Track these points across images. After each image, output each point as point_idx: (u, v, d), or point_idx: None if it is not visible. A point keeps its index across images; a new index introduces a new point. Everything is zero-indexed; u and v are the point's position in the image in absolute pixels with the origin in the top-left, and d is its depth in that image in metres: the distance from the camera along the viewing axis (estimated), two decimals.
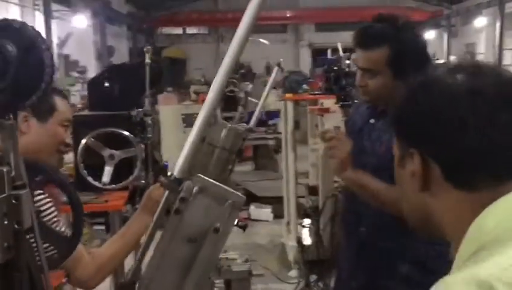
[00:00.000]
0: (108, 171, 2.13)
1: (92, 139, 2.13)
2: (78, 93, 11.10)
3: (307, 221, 4.65)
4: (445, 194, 0.74)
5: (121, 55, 18.62)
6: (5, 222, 0.90)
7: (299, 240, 4.53)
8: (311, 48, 23.20)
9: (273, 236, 5.56)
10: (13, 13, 12.58)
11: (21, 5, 12.79)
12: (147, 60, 2.29)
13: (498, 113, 0.70)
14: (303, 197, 4.97)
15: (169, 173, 0.87)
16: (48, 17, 13.18)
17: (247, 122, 7.90)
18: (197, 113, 2.39)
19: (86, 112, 2.68)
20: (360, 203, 1.78)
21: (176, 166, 0.85)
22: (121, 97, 2.32)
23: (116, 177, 2.18)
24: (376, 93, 1.71)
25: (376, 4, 22.77)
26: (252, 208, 6.24)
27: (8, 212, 0.91)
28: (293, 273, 4.60)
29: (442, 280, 0.65)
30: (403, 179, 0.79)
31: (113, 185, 2.15)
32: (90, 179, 2.16)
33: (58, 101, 1.66)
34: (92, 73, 14.35)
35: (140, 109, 2.29)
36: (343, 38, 5.80)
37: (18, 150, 0.96)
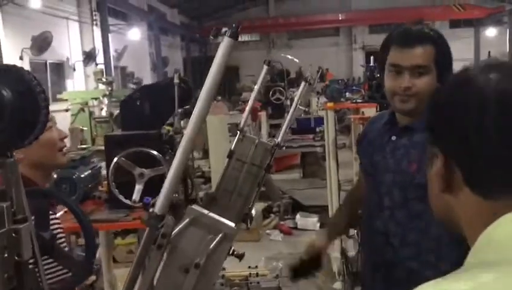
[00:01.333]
0: (138, 189, 2.20)
1: (123, 159, 2.22)
2: None
3: (352, 231, 4.57)
4: (464, 197, 0.74)
5: (176, 65, 19.13)
6: (5, 255, 0.96)
7: (343, 251, 4.46)
8: (365, 50, 22.86)
9: None
10: (73, 28, 13.28)
11: (80, 21, 13.47)
12: (176, 80, 2.36)
13: None
14: None
15: (150, 210, 0.90)
16: (105, 31, 13.80)
17: (295, 129, 7.88)
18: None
19: (118, 132, 2.78)
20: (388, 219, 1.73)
21: (157, 203, 0.88)
22: (152, 116, 2.40)
23: (146, 195, 2.25)
24: (421, 93, 1.62)
25: (429, 3, 22.13)
26: (298, 217, 6.21)
27: (8, 245, 0.96)
28: (338, 285, 4.53)
29: (420, 287, 0.66)
30: (430, 178, 0.80)
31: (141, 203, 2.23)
32: (121, 197, 2.25)
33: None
34: (147, 83, 14.83)
35: (170, 128, 2.37)
36: None
37: (20, 185, 1.02)
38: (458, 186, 0.74)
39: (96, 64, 13.14)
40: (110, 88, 9.86)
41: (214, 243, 0.98)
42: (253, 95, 2.52)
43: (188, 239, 1.05)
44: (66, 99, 10.50)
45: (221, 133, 6.72)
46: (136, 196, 2.19)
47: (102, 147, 3.73)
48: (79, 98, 10.30)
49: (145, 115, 2.37)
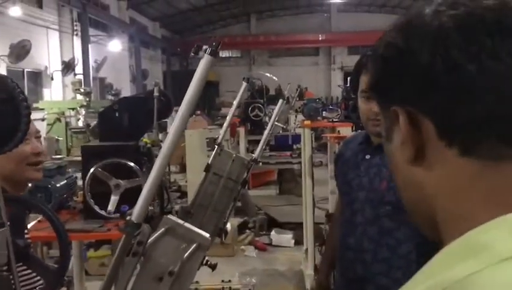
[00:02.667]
0: (114, 200, 2.21)
1: (99, 169, 2.22)
2: None
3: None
4: (441, 161, 0.54)
5: (155, 78, 19.09)
6: None
7: (316, 268, 4.49)
8: (343, 70, 23.23)
9: (293, 263, 5.53)
10: (53, 37, 13.18)
11: (60, 31, 13.38)
12: (156, 93, 2.39)
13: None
14: (322, 223, 4.94)
15: (127, 218, 0.92)
16: (85, 41, 13.74)
17: (273, 145, 7.93)
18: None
19: (95, 142, 2.78)
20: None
21: (134, 211, 0.91)
22: (130, 128, 2.41)
23: (119, 206, 2.26)
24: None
25: None
26: (273, 233, 6.23)
27: None
28: None
29: None
30: (393, 156, 0.61)
31: (118, 214, 2.23)
32: (96, 207, 2.25)
33: None
34: (126, 95, 14.76)
35: (147, 140, 2.39)
36: None
37: None
38: (432, 146, 0.54)
39: (75, 75, 13.04)
40: (88, 99, 9.80)
41: (189, 252, 1.01)
42: (231, 110, 2.56)
43: (163, 248, 1.07)
44: (43, 109, 10.38)
45: (200, 147, 6.73)
46: (111, 206, 2.19)
47: (78, 158, 3.72)
48: (56, 108, 10.18)
49: (123, 127, 2.38)
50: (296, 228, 6.09)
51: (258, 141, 2.69)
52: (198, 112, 10.77)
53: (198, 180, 2.54)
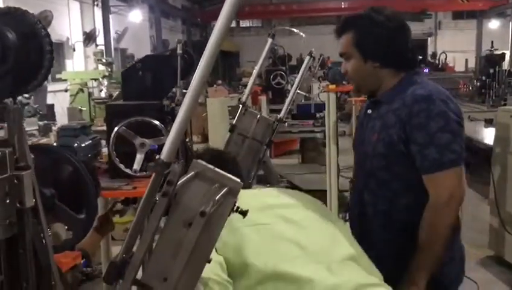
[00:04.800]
0: (139, 159, 2.18)
1: (124, 128, 2.19)
2: None
3: None
4: None
5: None
6: (7, 201, 0.95)
7: None
8: None
9: None
10: (73, 9, 13.15)
11: (81, 1, 13.33)
12: (179, 51, 2.33)
13: None
14: (347, 191, 4.88)
15: (157, 157, 0.88)
16: (106, 12, 13.68)
17: (295, 114, 7.86)
18: None
19: (119, 102, 2.75)
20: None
21: (164, 150, 0.86)
22: (154, 87, 2.37)
23: (145, 165, 2.23)
24: (353, 77, 1.80)
25: None
26: None
27: (10, 192, 0.95)
28: None
29: None
30: None
31: (144, 173, 2.21)
32: (121, 166, 2.22)
33: None
34: None
35: (170, 100, 2.34)
36: None
37: (23, 133, 1.00)
38: None
39: (97, 45, 13.04)
40: (109, 69, 9.80)
41: (220, 194, 0.97)
42: (257, 67, 2.49)
43: (193, 192, 1.03)
44: (66, 80, 10.44)
45: (222, 116, 6.69)
46: (137, 165, 2.17)
47: (101, 128, 3.70)
48: (78, 79, 10.23)
49: (146, 86, 2.34)
50: (320, 195, 6.03)
51: (280, 111, 2.63)
52: (219, 82, 10.70)
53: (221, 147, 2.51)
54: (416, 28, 21.42)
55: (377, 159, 1.74)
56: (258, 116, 2.49)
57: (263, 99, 7.87)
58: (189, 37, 21.37)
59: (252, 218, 1.41)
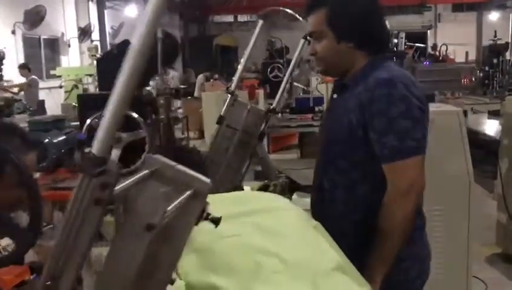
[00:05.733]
0: (115, 155, 1.97)
1: (96, 120, 1.98)
2: None
3: None
4: None
5: None
6: None
7: None
8: None
9: None
10: (68, 4, 12.93)
11: None
12: (159, 35, 2.11)
13: None
14: None
15: (86, 150, 0.66)
16: (101, 7, 13.44)
17: (294, 108, 7.62)
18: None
19: (93, 92, 2.54)
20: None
21: (95, 140, 0.64)
22: None
23: (124, 162, 2.01)
24: (324, 58, 1.69)
25: None
26: (295, 196, 6.00)
27: None
28: None
29: None
30: None
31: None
32: None
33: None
34: None
35: (151, 88, 2.12)
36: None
37: None
38: None
39: (92, 41, 12.82)
40: None
41: (178, 200, 0.75)
42: (246, 52, 2.28)
43: (147, 196, 0.82)
44: (60, 76, 10.24)
45: (217, 110, 6.46)
46: None
47: None
48: (73, 74, 10.06)
49: None
50: None
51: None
52: (216, 77, 10.50)
53: None
54: (415, 21, 21.15)
55: (336, 145, 1.65)
56: (249, 106, 2.27)
57: (260, 93, 7.66)
58: (186, 33, 21.14)
59: (219, 230, 1.19)
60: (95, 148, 0.63)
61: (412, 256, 1.67)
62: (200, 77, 11.29)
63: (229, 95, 2.22)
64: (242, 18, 22.48)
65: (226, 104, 2.21)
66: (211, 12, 21.68)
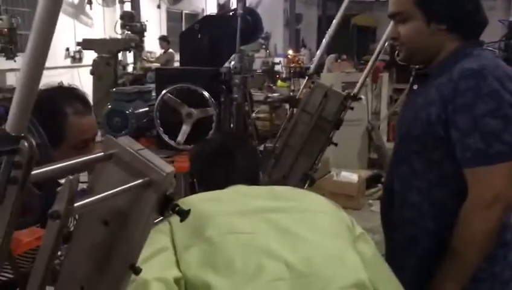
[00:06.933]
0: (184, 130, 1.98)
1: (169, 95, 2.00)
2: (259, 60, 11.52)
3: None
4: None
5: (309, 23, 18.66)
6: None
7: None
8: None
9: None
10: None
11: None
12: (239, 11, 2.04)
13: None
14: None
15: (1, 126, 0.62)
16: None
17: None
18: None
19: (171, 66, 2.57)
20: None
21: (9, 116, 0.59)
22: (211, 52, 2.12)
23: (192, 138, 2.01)
24: (410, 43, 1.47)
25: None
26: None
27: None
28: None
29: None
30: None
31: (188, 146, 2.00)
32: (165, 137, 2.04)
33: (73, 120, 1.33)
34: (276, 40, 14.70)
35: (228, 66, 2.07)
36: None
37: None
38: None
39: None
40: None
41: (134, 186, 0.71)
42: (384, 36, 2.13)
43: (106, 180, 0.78)
44: None
45: None
46: (181, 137, 1.97)
47: None
48: None
49: (204, 50, 2.11)
50: None
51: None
52: (344, 56, 10.20)
53: None
54: None
55: (412, 142, 1.48)
56: (328, 90, 2.12)
57: (385, 76, 7.22)
58: (324, 11, 20.83)
59: (232, 224, 1.10)
60: (8, 124, 0.59)
61: (492, 276, 1.45)
62: (331, 56, 11.07)
63: (306, 77, 2.09)
64: None
65: (301, 87, 2.09)
66: None
